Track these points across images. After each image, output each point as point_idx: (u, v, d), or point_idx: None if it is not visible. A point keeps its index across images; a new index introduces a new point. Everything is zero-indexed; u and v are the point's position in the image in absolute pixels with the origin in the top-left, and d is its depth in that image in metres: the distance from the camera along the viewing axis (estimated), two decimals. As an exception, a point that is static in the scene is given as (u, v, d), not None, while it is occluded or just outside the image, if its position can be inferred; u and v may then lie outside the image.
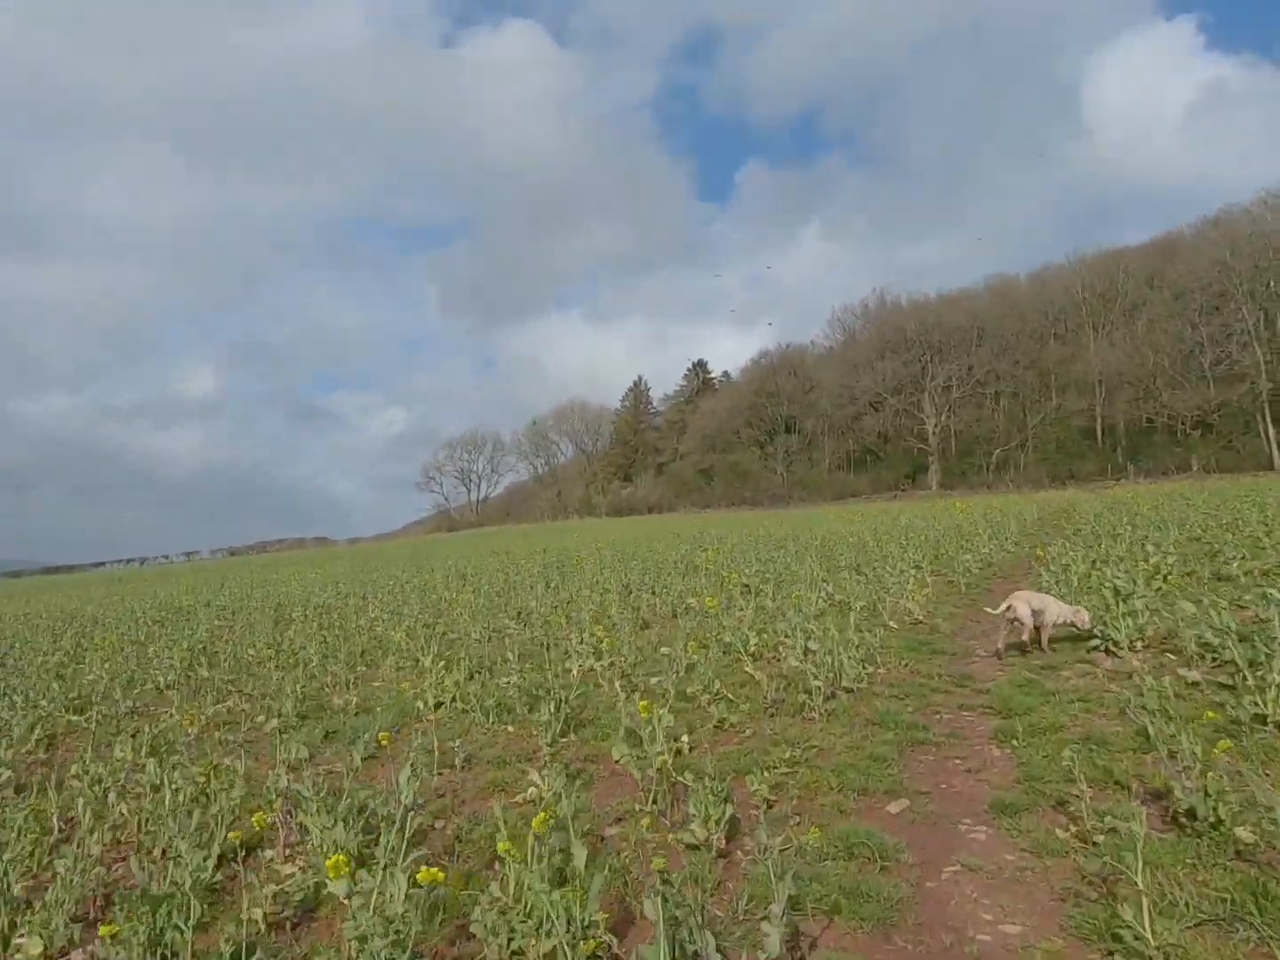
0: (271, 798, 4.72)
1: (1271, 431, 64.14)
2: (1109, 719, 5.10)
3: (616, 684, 6.55)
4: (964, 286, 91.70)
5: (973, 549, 14.67)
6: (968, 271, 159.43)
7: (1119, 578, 7.72)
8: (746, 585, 13.06)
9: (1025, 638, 7.19)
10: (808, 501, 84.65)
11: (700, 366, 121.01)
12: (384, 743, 4.65)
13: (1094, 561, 10.71)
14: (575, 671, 8.11)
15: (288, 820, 4.68)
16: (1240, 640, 5.72)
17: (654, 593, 13.18)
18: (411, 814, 4.01)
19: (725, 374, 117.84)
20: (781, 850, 3.84)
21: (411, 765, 4.23)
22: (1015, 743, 4.87)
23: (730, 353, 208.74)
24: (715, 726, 5.89)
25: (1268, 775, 4.00)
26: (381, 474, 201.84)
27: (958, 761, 4.84)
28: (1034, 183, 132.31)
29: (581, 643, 8.69)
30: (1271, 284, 65.28)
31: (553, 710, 6.12)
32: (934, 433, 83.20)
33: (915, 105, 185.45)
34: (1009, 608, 7.27)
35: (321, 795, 4.45)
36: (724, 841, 3.96)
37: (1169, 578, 8.96)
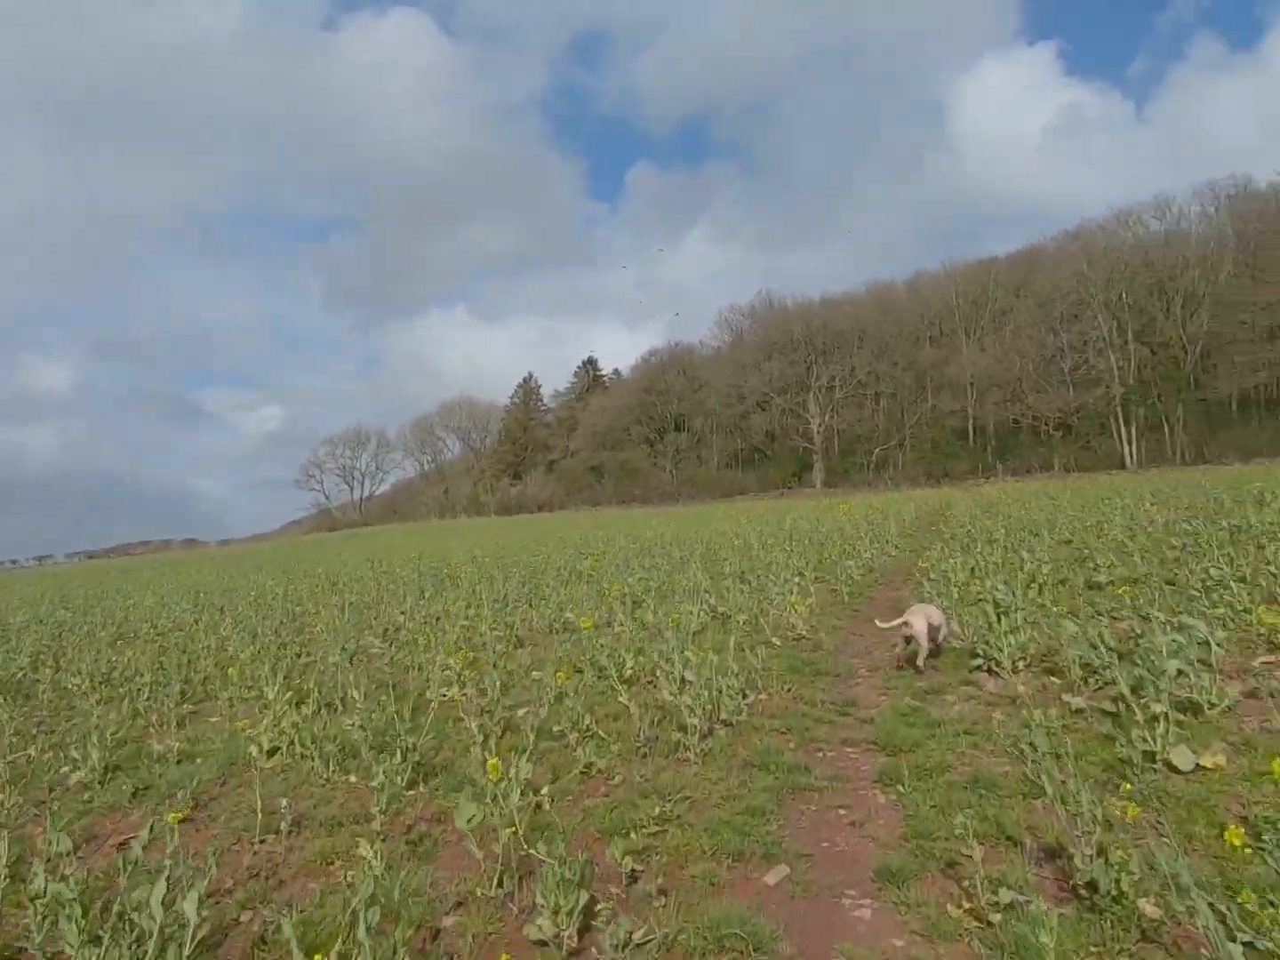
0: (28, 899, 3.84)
1: (1124, 433, 68.73)
2: (997, 756, 4.79)
3: (474, 724, 5.88)
4: (846, 290, 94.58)
5: (855, 554, 14.64)
6: (849, 276, 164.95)
7: (998, 589, 7.56)
8: (628, 595, 12.56)
9: (921, 660, 6.89)
10: (697, 499, 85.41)
11: (591, 364, 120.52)
12: (174, 821, 3.86)
13: (972, 569, 10.70)
14: (434, 704, 7.38)
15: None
16: (1120, 659, 5.59)
17: (531, 605, 12.52)
18: (195, 927, 3.26)
19: (616, 371, 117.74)
20: (641, 944, 3.29)
21: (168, 879, 3.41)
22: (901, 788, 4.48)
23: (621, 351, 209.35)
24: (582, 772, 5.31)
25: (1160, 826, 3.72)
26: (258, 473, 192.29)
27: (841, 812, 4.42)
28: (907, 194, 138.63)
29: (444, 669, 7.96)
30: (1124, 294, 69.87)
31: (397, 759, 5.41)
32: (818, 432, 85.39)
33: (796, 117, 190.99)
34: (905, 624, 7.04)
35: (91, 893, 3.63)
36: (576, 938, 3.37)
37: (1045, 587, 8.95)
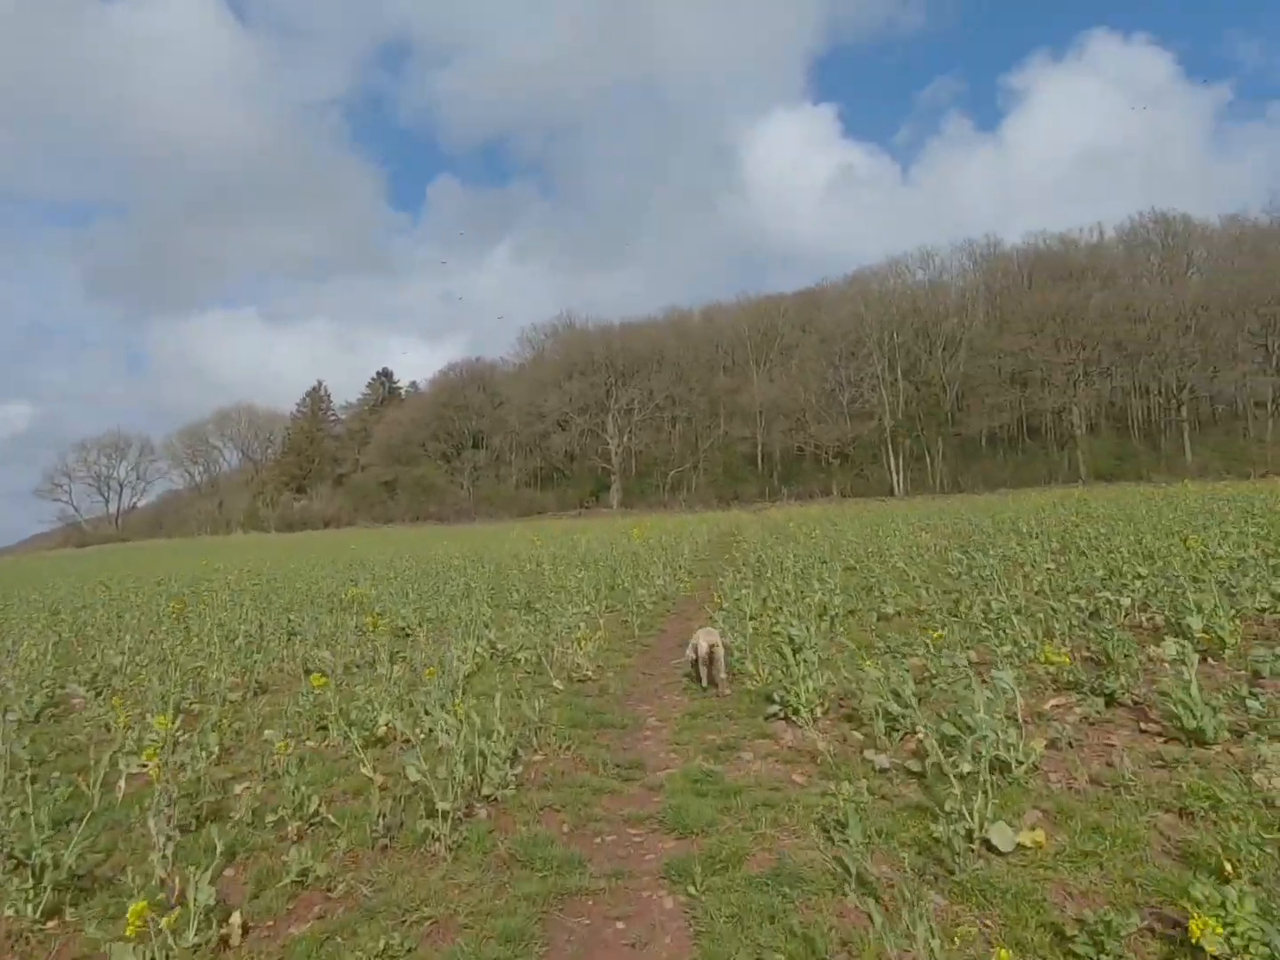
0: None
1: (893, 462, 74.64)
2: (800, 835, 4.11)
3: (151, 822, 4.46)
4: (645, 315, 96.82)
5: (648, 580, 14.10)
6: (647, 301, 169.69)
7: (793, 625, 7.09)
8: (401, 628, 11.22)
9: (722, 674, 6.85)
10: (494, 517, 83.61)
11: (386, 375, 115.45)
12: None
13: (765, 599, 10.35)
14: (122, 781, 5.81)
15: None
16: (920, 701, 5.18)
17: (287, 640, 10.85)
18: None
19: (414, 384, 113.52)
20: None
21: None
22: (692, 889, 3.67)
23: (420, 365, 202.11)
24: (296, 881, 4.09)
25: (989, 931, 3.14)
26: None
27: (620, 926, 3.53)
28: (703, 230, 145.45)
29: (142, 732, 6.37)
30: (895, 336, 76.11)
31: (32, 878, 3.96)
32: (616, 453, 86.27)
33: (597, 146, 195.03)
34: (696, 645, 7.02)
35: None
36: None
37: (837, 619, 8.68)
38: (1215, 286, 69.19)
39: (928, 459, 75.47)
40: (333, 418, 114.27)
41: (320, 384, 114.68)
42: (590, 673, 7.65)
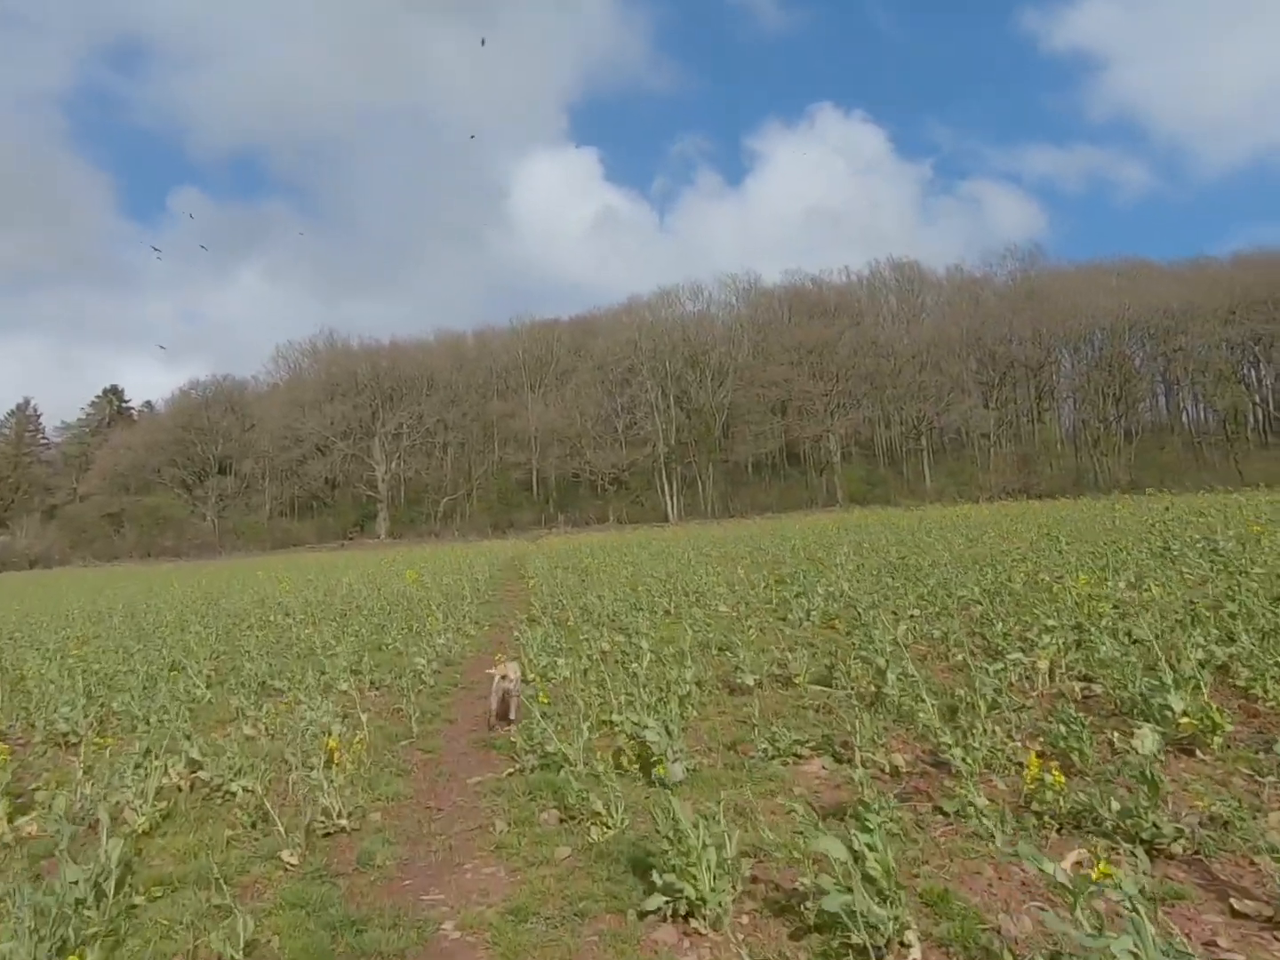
0: None
1: (667, 488, 75.40)
2: None
3: None
4: (415, 336, 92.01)
5: (425, 635, 11.37)
6: (419, 322, 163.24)
7: (648, 728, 4.95)
8: (65, 734, 7.79)
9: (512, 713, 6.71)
10: (244, 552, 75.18)
11: (114, 393, 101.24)
12: None
13: (585, 671, 8.09)
14: None
15: None
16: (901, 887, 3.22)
17: None
18: None
19: (148, 404, 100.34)
20: None
21: None
22: None
23: (156, 384, 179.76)
24: None
25: None
26: None
27: None
28: (473, 260, 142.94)
29: None
30: (667, 364, 77.35)
31: None
32: (384, 479, 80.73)
33: (364, 171, 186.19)
34: (504, 676, 6.80)
35: None
36: None
37: (689, 701, 6.61)
38: (944, 329, 76.74)
39: (700, 485, 77.10)
40: (43, 440, 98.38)
41: (28, 401, 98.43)
42: (345, 820, 4.97)
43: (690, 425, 78.43)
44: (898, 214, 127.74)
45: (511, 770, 5.55)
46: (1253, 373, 71.46)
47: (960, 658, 7.31)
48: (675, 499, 75.41)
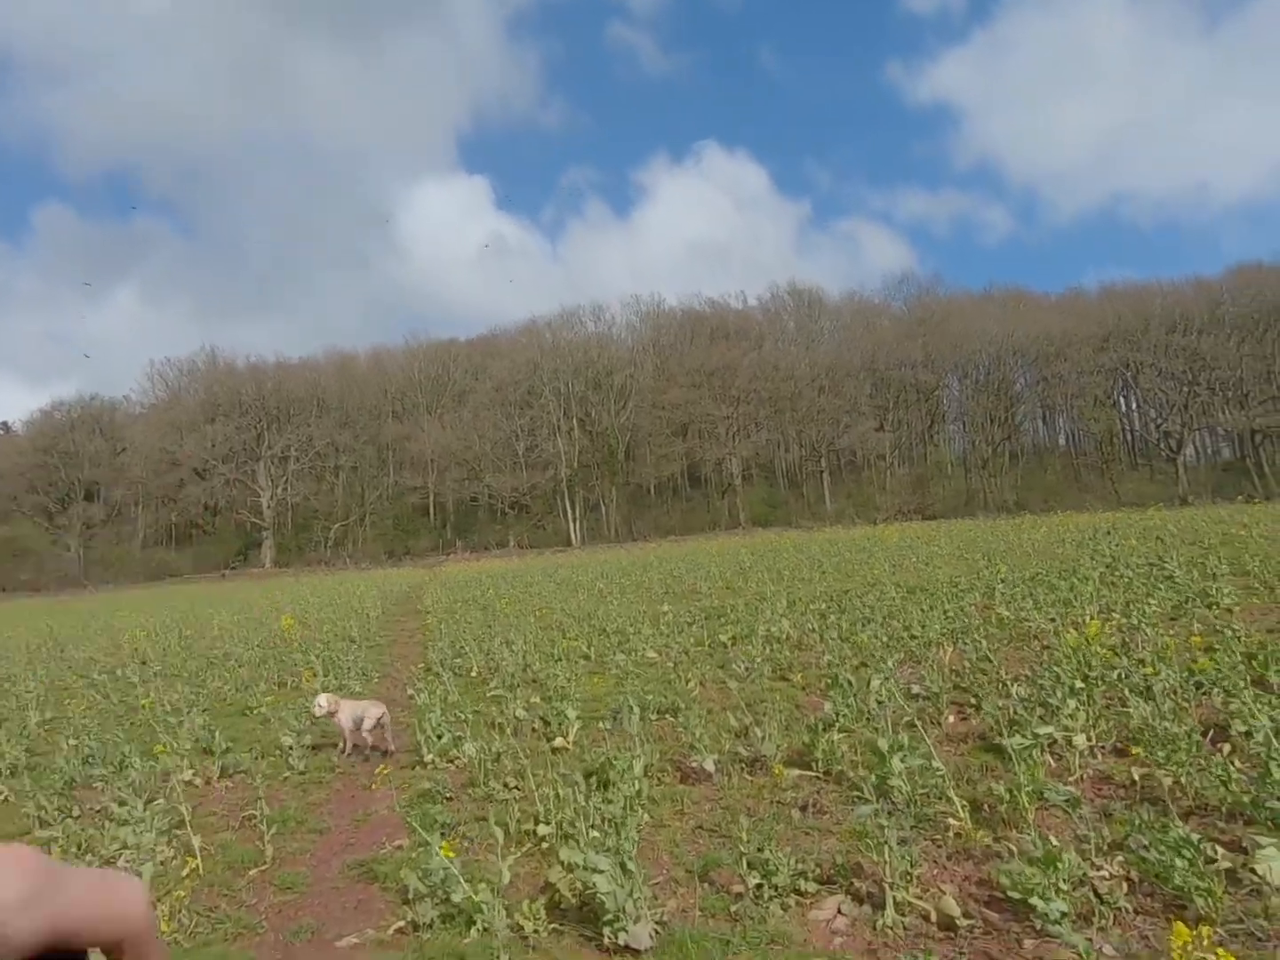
0: None
1: (570, 512, 73.69)
2: None
3: None
4: (304, 355, 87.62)
5: (301, 694, 9.51)
6: (307, 345, 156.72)
7: (596, 872, 3.49)
8: None
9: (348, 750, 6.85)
10: (113, 584, 69.40)
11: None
12: None
13: (499, 753, 6.48)
14: None
15: None
16: None
17: None
18: None
19: (4, 425, 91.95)
20: None
21: None
22: None
23: (18, 406, 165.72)
24: None
25: None
26: None
27: None
28: (361, 284, 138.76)
29: None
30: (570, 385, 75.93)
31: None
32: (269, 505, 76.06)
33: (245, 194, 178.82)
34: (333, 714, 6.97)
35: None
36: None
37: (638, 801, 5.13)
38: (841, 354, 78.20)
39: (603, 508, 75.80)
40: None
41: None
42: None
43: (593, 448, 77.08)
44: (778, 248, 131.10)
45: (400, 924, 3.95)
46: (1122, 400, 75.40)
47: (950, 720, 6.11)
48: (578, 523, 73.78)
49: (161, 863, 4.74)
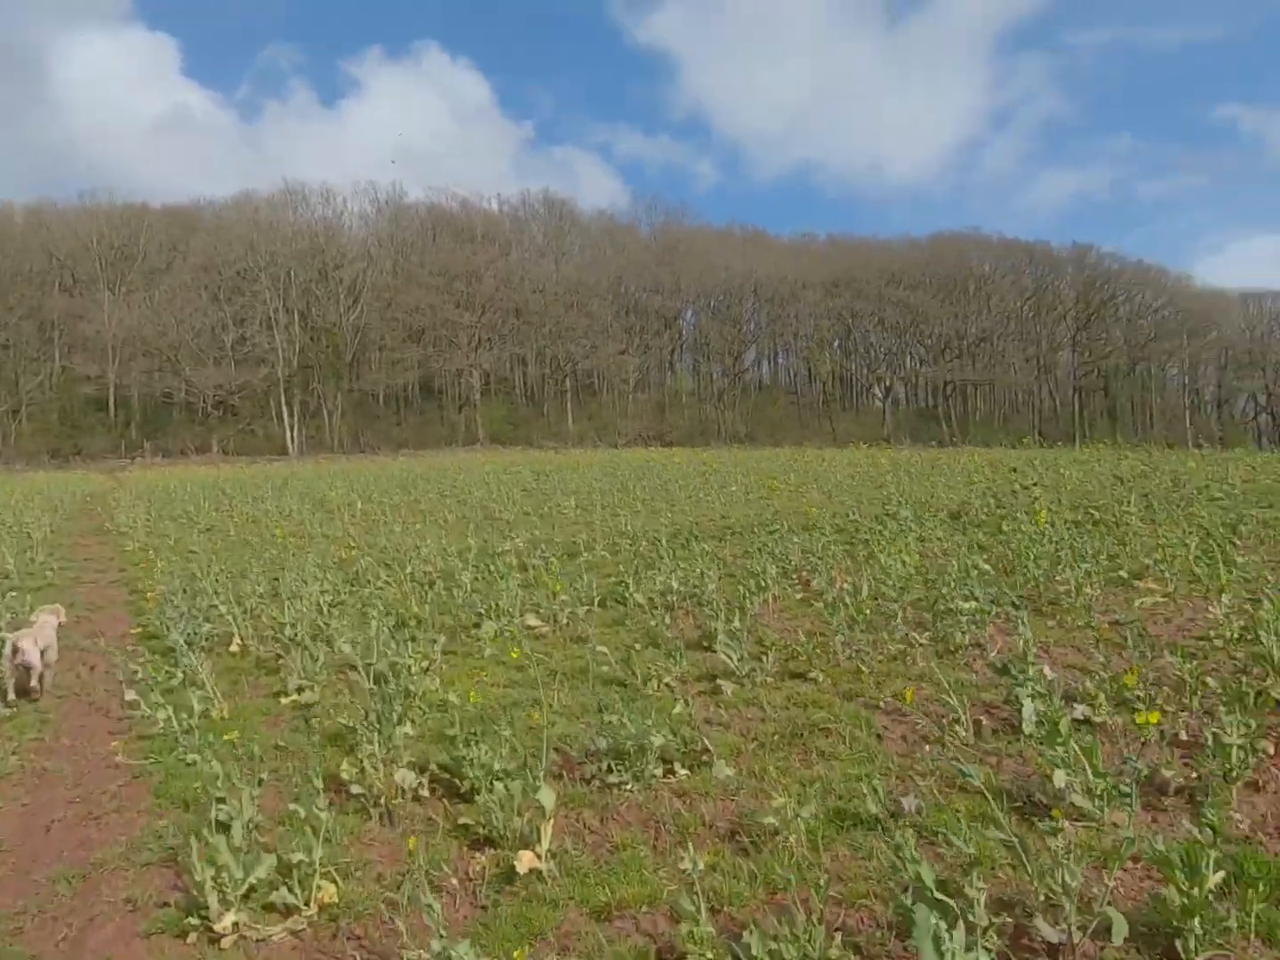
0: None
1: (287, 417, 65.90)
2: None
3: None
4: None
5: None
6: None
7: None
8: None
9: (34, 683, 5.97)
10: None
11: None
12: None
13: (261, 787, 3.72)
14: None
15: None
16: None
17: None
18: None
19: None
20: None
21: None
22: None
23: None
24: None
25: None
26: None
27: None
28: (8, 133, 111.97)
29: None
30: (292, 273, 67.07)
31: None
32: (-123, 387, 59.94)
33: None
34: (16, 651, 5.85)
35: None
36: None
37: None
38: (590, 271, 76.45)
39: (325, 415, 68.77)
40: None
41: None
42: None
43: (316, 347, 69.17)
44: (495, 167, 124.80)
45: None
46: (840, 344, 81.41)
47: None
48: (296, 429, 66.23)
49: None
